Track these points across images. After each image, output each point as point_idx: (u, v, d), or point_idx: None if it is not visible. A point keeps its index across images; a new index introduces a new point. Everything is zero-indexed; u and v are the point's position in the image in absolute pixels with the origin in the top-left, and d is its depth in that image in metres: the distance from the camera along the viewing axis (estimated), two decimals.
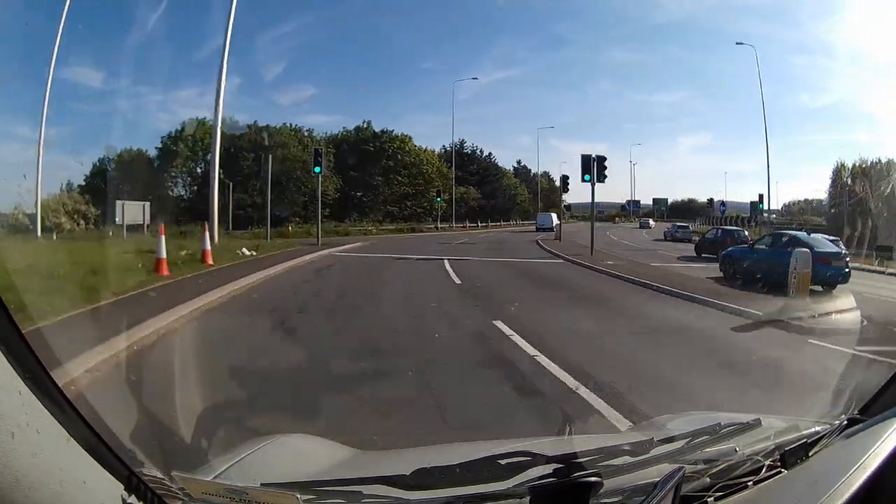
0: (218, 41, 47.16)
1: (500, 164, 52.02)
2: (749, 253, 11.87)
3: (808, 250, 8.66)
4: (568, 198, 54.22)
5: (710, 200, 42.13)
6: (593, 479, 0.91)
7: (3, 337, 0.67)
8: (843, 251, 11.13)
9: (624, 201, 61.29)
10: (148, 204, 18.59)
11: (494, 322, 6.14)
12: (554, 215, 36.74)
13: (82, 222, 22.24)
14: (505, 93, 73.65)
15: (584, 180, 15.72)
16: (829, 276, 10.02)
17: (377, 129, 41.65)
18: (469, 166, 47.52)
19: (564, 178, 23.26)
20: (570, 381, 4.03)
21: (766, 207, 30.23)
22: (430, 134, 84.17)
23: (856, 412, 1.30)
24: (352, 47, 57.30)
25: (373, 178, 39.50)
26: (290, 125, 38.16)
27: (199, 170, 33.55)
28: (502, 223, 45.67)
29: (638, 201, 63.74)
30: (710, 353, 5.35)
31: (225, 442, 2.22)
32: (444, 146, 47.33)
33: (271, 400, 3.60)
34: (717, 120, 76.48)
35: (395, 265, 13.37)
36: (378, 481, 0.91)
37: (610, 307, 8.02)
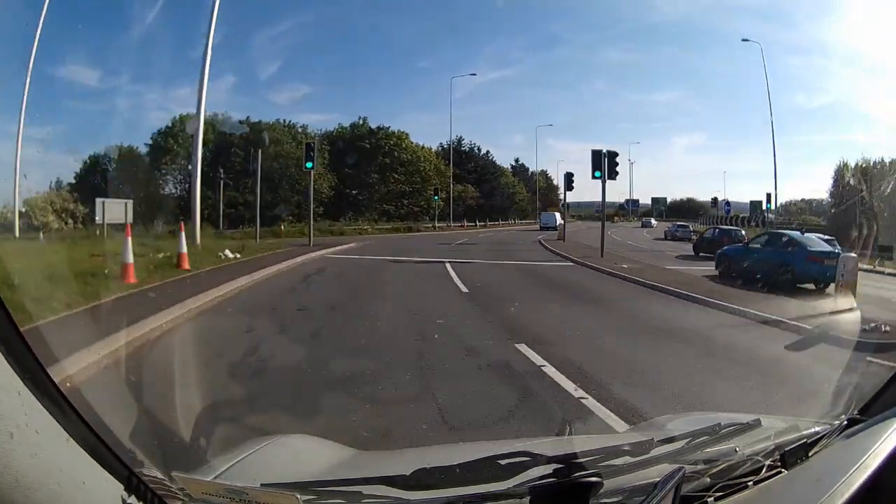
0: (214, 39, 46.90)
1: (497, 162, 52.21)
2: (744, 252, 12.29)
3: (854, 255, 8.72)
4: (565, 197, 54.41)
5: (714, 200, 42.34)
6: (593, 479, 0.92)
7: (3, 337, 0.68)
8: (837, 251, 11.38)
9: (622, 201, 61.48)
10: (131, 202, 18.15)
11: (517, 346, 5.11)
12: (557, 214, 36.94)
13: (70, 221, 22.11)
14: (500, 92, 74.25)
15: (594, 177, 15.09)
16: (821, 274, 10.44)
17: (373, 126, 41.59)
18: (467, 164, 47.44)
19: (569, 176, 22.47)
20: None
21: (772, 207, 30.39)
22: (425, 133, 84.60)
23: (856, 412, 1.31)
24: (347, 46, 57.88)
25: (368, 176, 39.31)
26: (284, 121, 38.01)
27: (191, 167, 33.40)
28: (500, 222, 45.61)
29: (637, 200, 64.06)
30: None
31: (225, 442, 2.21)
32: (441, 144, 47.37)
33: None
34: (713, 120, 77.49)
35: (393, 269, 12.47)
36: (378, 481, 0.91)
37: (656, 327, 6.58)
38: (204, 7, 35.52)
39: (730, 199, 42.76)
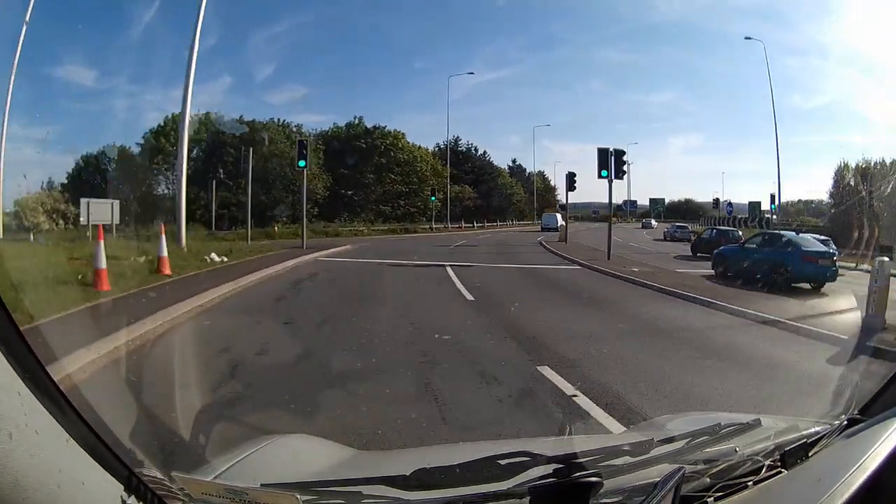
0: (210, 41, 47.12)
1: (494, 163, 52.33)
2: (740, 252, 12.62)
3: (888, 259, 8.83)
4: (563, 197, 54.72)
5: (716, 200, 42.51)
6: (593, 479, 0.93)
7: (3, 337, 0.68)
8: (832, 251, 11.84)
9: (619, 202, 61.81)
10: (117, 202, 17.67)
11: (540, 370, 4.48)
12: (559, 215, 37.20)
13: (61, 222, 22.00)
14: (496, 93, 75.38)
15: (600, 176, 14.71)
16: (816, 274, 10.93)
17: (369, 126, 41.57)
18: (464, 164, 47.47)
19: (571, 176, 21.95)
20: None
21: (776, 207, 30.53)
22: (422, 133, 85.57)
23: (856, 412, 1.32)
24: (343, 46, 59.44)
25: (364, 176, 39.23)
26: (279, 121, 37.91)
27: (188, 168, 33.27)
28: (498, 223, 45.63)
29: (635, 201, 64.38)
30: None
31: (225, 442, 2.20)
32: (437, 144, 47.39)
33: None
34: (710, 120, 78.42)
35: (391, 274, 11.85)
36: (378, 481, 0.92)
37: (685, 339, 6.05)
38: (199, 7, 35.61)
39: (723, 201, 43.08)
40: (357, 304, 7.89)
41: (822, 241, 13.00)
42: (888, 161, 29.11)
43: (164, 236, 9.61)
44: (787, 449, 1.15)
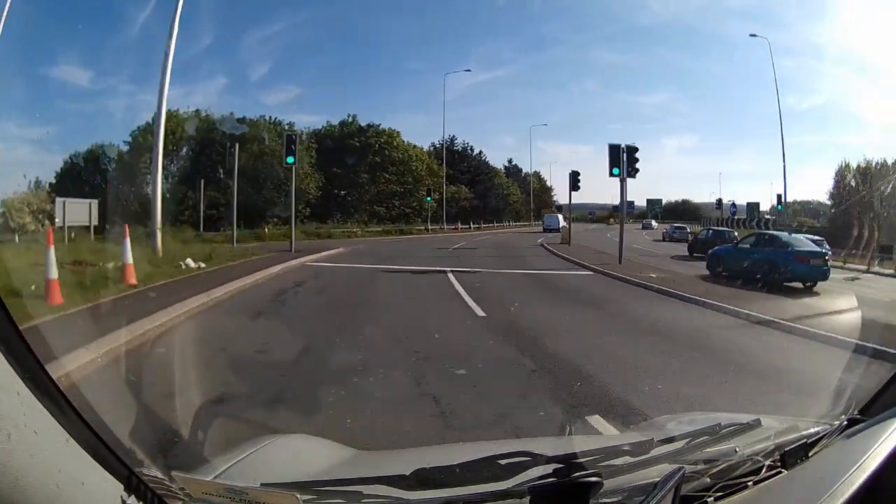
0: (205, 41, 47.18)
1: (490, 163, 52.39)
2: (733, 252, 13.14)
3: None
4: (559, 198, 55.21)
5: (719, 201, 42.74)
6: (593, 479, 0.94)
7: (2, 336, 0.69)
8: (823, 251, 12.37)
9: (616, 203, 62.07)
10: (95, 202, 17.12)
11: (590, 420, 3.61)
12: (560, 216, 37.53)
13: (47, 222, 21.82)
14: (490, 93, 76.08)
15: (612, 174, 14.17)
16: (807, 273, 11.40)
17: (363, 124, 41.23)
18: (460, 164, 47.27)
19: (574, 175, 21.10)
20: None
21: (782, 207, 30.80)
22: (416, 134, 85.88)
23: (856, 412, 1.35)
24: (337, 47, 59.12)
25: (358, 176, 38.93)
26: (270, 118, 37.55)
27: (174, 166, 33.05)
28: (495, 224, 45.54)
29: (632, 202, 64.62)
30: None
31: (225, 442, 2.18)
32: (433, 144, 47.25)
33: None
34: (704, 121, 79.17)
35: (386, 282, 10.87)
36: (378, 481, 0.93)
37: (739, 364, 5.19)
38: (196, 7, 35.72)
39: (725, 201, 43.37)
40: (347, 322, 6.80)
41: (815, 242, 13.52)
42: (889, 161, 29.46)
43: (127, 240, 8.44)
44: (787, 449, 1.17)
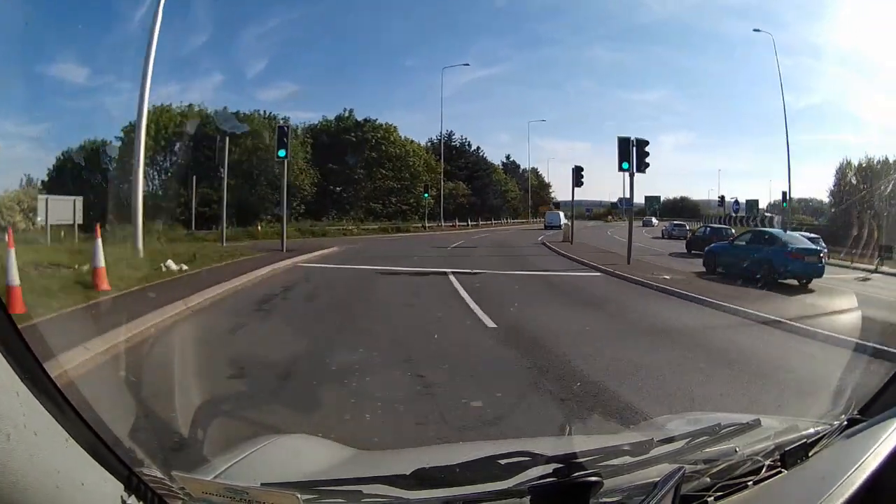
0: (202, 38, 46.79)
1: (488, 159, 52.37)
2: (729, 249, 13.58)
3: None
4: (557, 195, 55.41)
5: (722, 198, 42.92)
6: (593, 479, 0.95)
7: (2, 337, 0.69)
8: (818, 248, 12.78)
9: (613, 199, 62.42)
10: (80, 199, 16.48)
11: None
12: (561, 213, 37.53)
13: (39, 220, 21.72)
14: (486, 90, 76.39)
15: (621, 169, 13.68)
16: (802, 270, 11.71)
17: (359, 119, 40.93)
18: (458, 160, 47.04)
19: (578, 170, 20.41)
20: None
21: (787, 205, 30.95)
22: (412, 131, 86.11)
23: (856, 412, 1.36)
24: (334, 44, 59.18)
25: (354, 172, 38.62)
26: (264, 113, 37.24)
27: (167, 162, 32.85)
28: (493, 222, 45.29)
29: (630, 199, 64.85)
30: None
31: (225, 441, 2.17)
32: (430, 139, 47.07)
33: None
34: (701, 119, 79.39)
35: (384, 286, 10.15)
36: (378, 481, 0.95)
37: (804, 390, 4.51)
38: (191, 3, 35.54)
39: (724, 199, 43.60)
40: (339, 338, 6.06)
41: (811, 239, 13.89)
42: (892, 159, 29.65)
43: (99, 242, 7.71)
44: (787, 449, 1.19)
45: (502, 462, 0.96)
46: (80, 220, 16.92)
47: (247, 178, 31.66)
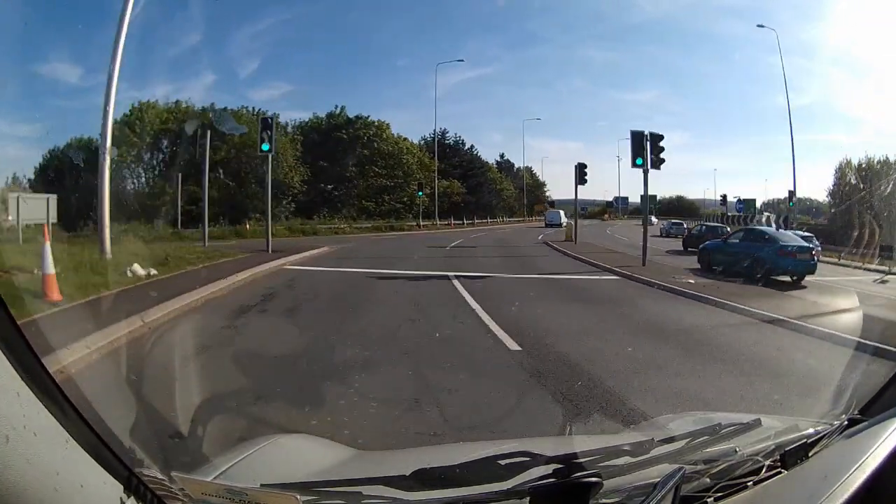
0: (195, 38, 46.56)
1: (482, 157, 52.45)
2: (723, 246, 14.14)
3: None
4: (552, 194, 55.75)
5: (724, 197, 43.21)
6: (593, 479, 0.97)
7: (2, 336, 0.69)
8: (811, 246, 13.30)
9: (609, 199, 62.81)
10: (54, 197, 15.48)
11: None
12: (562, 212, 38.07)
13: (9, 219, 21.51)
14: (478, 90, 77.58)
15: (635, 165, 13.06)
16: (794, 267, 12.19)
17: (351, 116, 40.76)
18: (452, 158, 47.01)
19: (581, 167, 19.84)
20: None
21: (793, 204, 31.21)
22: (406, 131, 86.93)
23: (856, 412, 1.38)
24: (325, 44, 60.37)
25: (346, 170, 38.53)
26: (252, 109, 36.96)
27: (154, 160, 32.57)
28: (489, 220, 45.34)
29: (626, 198, 65.31)
30: None
31: (225, 442, 2.16)
32: (423, 137, 46.97)
33: None
34: (695, 119, 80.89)
35: (379, 294, 9.06)
36: (378, 481, 0.96)
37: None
38: (184, 6, 35.38)
39: (718, 197, 44.01)
40: (326, 368, 4.93)
41: (805, 237, 14.48)
42: (892, 159, 29.96)
43: (48, 245, 6.86)
44: (787, 449, 1.20)
45: (502, 462, 0.97)
46: (54, 219, 16.65)
47: (235, 176, 31.47)
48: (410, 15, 65.52)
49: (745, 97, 72.71)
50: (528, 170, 59.59)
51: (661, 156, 13.35)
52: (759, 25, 32.00)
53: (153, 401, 3.58)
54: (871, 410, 1.39)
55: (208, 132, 18.99)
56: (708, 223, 26.69)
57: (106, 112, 11.90)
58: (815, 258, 12.64)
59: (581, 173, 19.97)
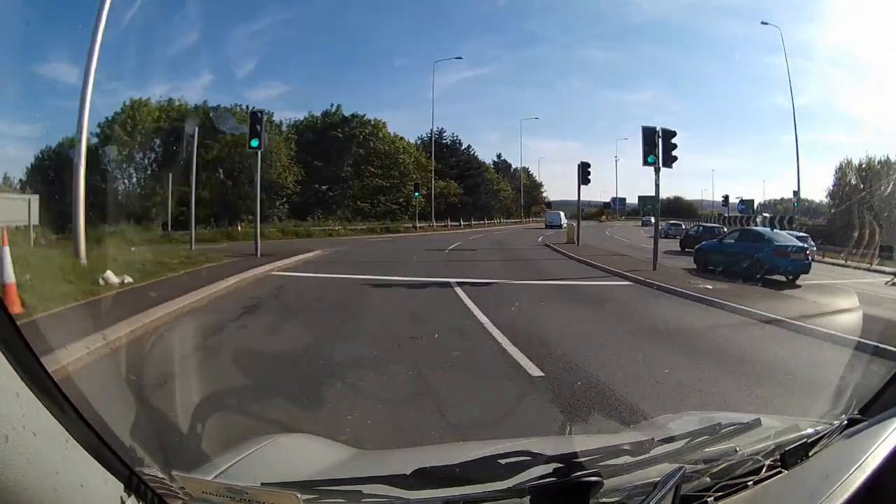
0: (192, 38, 46.46)
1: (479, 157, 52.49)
2: (718, 246, 14.44)
3: None
4: (549, 195, 55.94)
5: (726, 198, 43.36)
6: (593, 478, 0.98)
7: (2, 336, 0.70)
8: (806, 246, 13.48)
9: (606, 199, 63.03)
10: (36, 197, 15.33)
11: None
12: (562, 213, 38.17)
13: None
14: (476, 90, 78.77)
15: (646, 163, 12.47)
16: (788, 266, 12.43)
17: (347, 114, 40.69)
18: (449, 158, 46.95)
19: (584, 166, 19.35)
20: None
21: (797, 205, 31.45)
22: (402, 131, 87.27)
23: (856, 412, 1.40)
24: (324, 44, 61.44)
25: (341, 169, 38.37)
26: (245, 107, 36.76)
27: (146, 160, 32.38)
28: (486, 222, 45.26)
29: (624, 199, 65.55)
30: None
31: (225, 441, 2.17)
32: (420, 137, 47.03)
33: None
34: (694, 119, 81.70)
35: (375, 304, 8.36)
36: (378, 481, 0.97)
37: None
38: (181, 6, 35.34)
39: (716, 198, 44.26)
40: (313, 402, 4.02)
41: (800, 238, 14.67)
42: (893, 158, 30.18)
43: (6, 249, 6.27)
44: (787, 449, 1.22)
45: (502, 461, 0.98)
46: (36, 221, 16.42)
47: (227, 176, 31.35)
48: (410, 15, 66.25)
49: (745, 97, 73.53)
50: (526, 170, 59.81)
51: (673, 153, 12.80)
52: (762, 23, 32.17)
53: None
54: (871, 410, 1.40)
55: (195, 129, 18.80)
56: (705, 224, 27.18)
57: (81, 113, 11.65)
58: (810, 258, 12.98)
59: (584, 173, 19.47)
